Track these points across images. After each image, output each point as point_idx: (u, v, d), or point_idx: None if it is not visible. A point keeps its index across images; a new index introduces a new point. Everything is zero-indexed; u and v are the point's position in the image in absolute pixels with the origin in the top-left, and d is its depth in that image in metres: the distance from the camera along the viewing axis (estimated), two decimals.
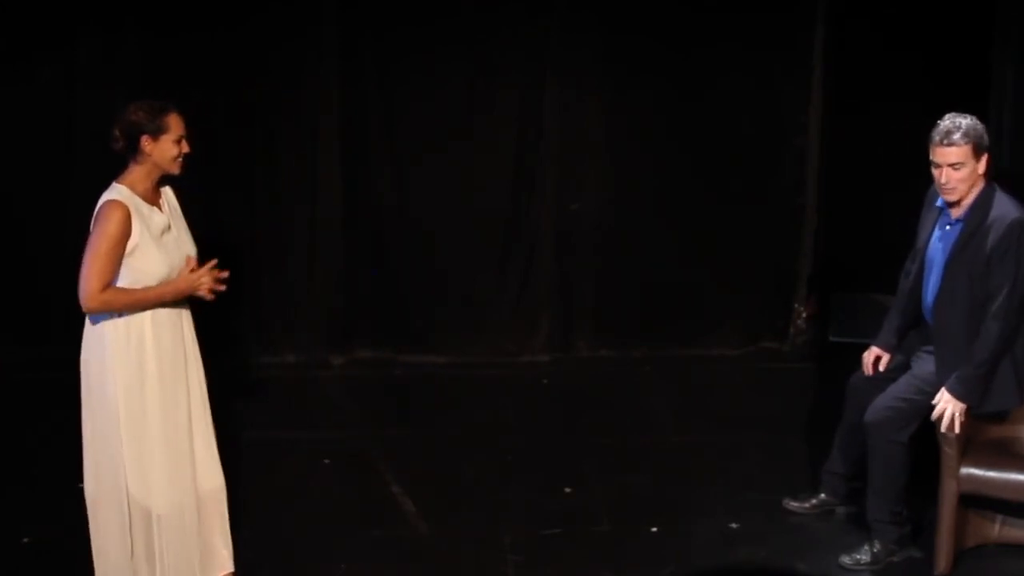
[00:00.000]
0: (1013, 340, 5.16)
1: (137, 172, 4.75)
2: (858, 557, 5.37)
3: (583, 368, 7.53)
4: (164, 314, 4.81)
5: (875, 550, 5.37)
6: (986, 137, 5.09)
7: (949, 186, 5.09)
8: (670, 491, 6.01)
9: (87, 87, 7.14)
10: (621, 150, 7.47)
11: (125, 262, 4.69)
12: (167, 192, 4.90)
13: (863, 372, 5.54)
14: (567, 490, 6.02)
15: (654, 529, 5.67)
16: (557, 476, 6.14)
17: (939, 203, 5.26)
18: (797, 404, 6.88)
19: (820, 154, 7.57)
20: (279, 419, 6.79)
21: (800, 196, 7.60)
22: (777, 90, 7.45)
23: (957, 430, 5.12)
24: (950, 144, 5.03)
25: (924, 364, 5.32)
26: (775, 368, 7.52)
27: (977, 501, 5.31)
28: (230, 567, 5.10)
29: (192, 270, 4.80)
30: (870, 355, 5.53)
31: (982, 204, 5.12)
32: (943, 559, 5.24)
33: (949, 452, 5.17)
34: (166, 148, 4.74)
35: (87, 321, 4.81)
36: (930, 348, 5.31)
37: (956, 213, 5.18)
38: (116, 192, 4.71)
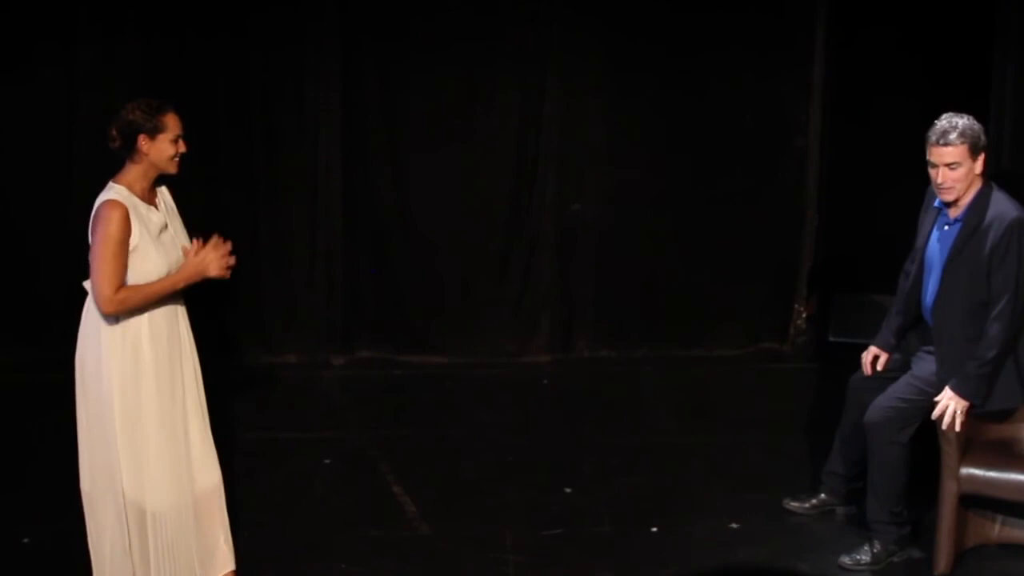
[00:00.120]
0: (1017, 339, 5.17)
1: (134, 171, 4.75)
2: (858, 557, 5.37)
3: (583, 368, 7.53)
4: (160, 311, 4.80)
5: (875, 550, 5.37)
6: (983, 137, 5.09)
7: (946, 186, 5.10)
8: (670, 491, 6.01)
9: (87, 87, 7.14)
10: (621, 150, 7.47)
11: None
12: (163, 192, 4.90)
13: (863, 372, 5.55)
14: (567, 490, 6.02)
15: (654, 529, 5.67)
16: (557, 476, 6.14)
17: (937, 203, 5.26)
18: (797, 404, 6.88)
19: (820, 154, 7.57)
20: (279, 419, 6.79)
21: (800, 196, 7.61)
22: (777, 90, 7.46)
23: (958, 428, 5.12)
24: (946, 144, 5.04)
25: (924, 364, 5.32)
26: (775, 368, 7.52)
27: (977, 501, 5.31)
28: (231, 565, 5.10)
29: (195, 252, 4.79)
30: (869, 355, 5.54)
31: (980, 204, 5.12)
32: (943, 559, 5.24)
33: (949, 452, 5.17)
34: (163, 147, 4.74)
35: (83, 318, 4.81)
36: (930, 348, 5.31)
37: (954, 213, 5.19)
38: (114, 192, 4.70)
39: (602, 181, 7.50)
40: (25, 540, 5.51)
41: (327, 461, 6.31)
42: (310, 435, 6.62)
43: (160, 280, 4.72)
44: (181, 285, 4.75)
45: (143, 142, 4.71)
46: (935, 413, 5.15)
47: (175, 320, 4.88)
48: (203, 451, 4.99)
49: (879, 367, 5.51)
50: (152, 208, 4.78)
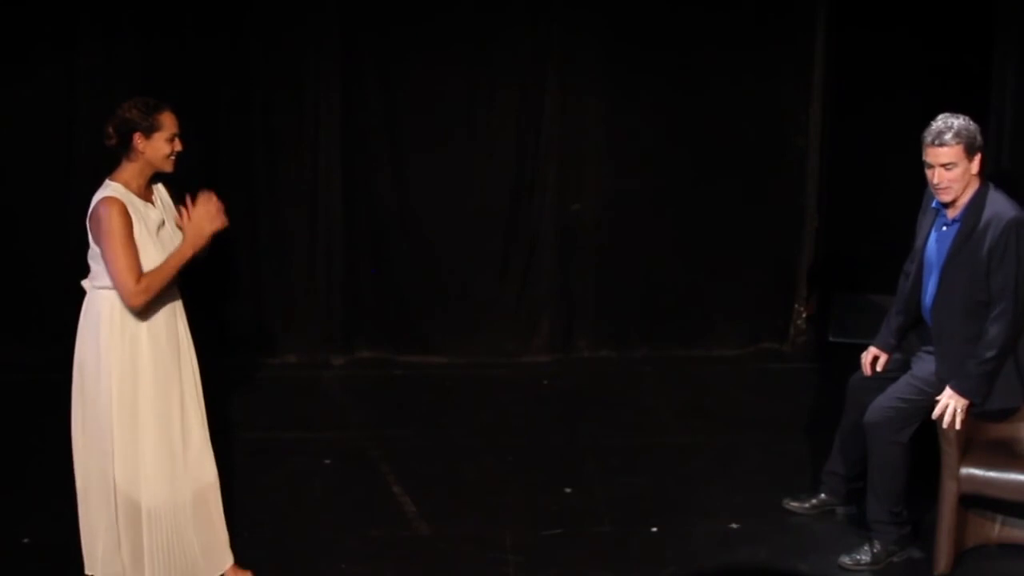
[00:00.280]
0: (1018, 338, 5.17)
1: (130, 169, 4.78)
2: (858, 557, 5.37)
3: (583, 368, 7.53)
4: (159, 307, 4.82)
5: (875, 550, 5.37)
6: (979, 137, 5.10)
7: (942, 186, 5.11)
8: (670, 491, 6.01)
9: (87, 87, 7.14)
10: (621, 150, 7.47)
11: None
12: (159, 189, 4.93)
13: (863, 372, 5.55)
14: (567, 490, 6.02)
15: (654, 529, 5.67)
16: (557, 476, 6.14)
17: (935, 204, 5.27)
18: (797, 404, 6.88)
19: (820, 154, 7.57)
20: (279, 419, 6.79)
21: (800, 196, 7.61)
22: (777, 90, 7.45)
23: (958, 426, 5.12)
24: (941, 145, 5.05)
25: (924, 364, 5.33)
26: (775, 368, 7.52)
27: (977, 501, 5.31)
28: (230, 560, 5.11)
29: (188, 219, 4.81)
30: (868, 355, 5.54)
31: (977, 204, 5.13)
32: (943, 559, 5.24)
33: (949, 452, 5.17)
34: (159, 146, 4.77)
35: (82, 316, 4.83)
36: (930, 348, 5.32)
37: (952, 214, 5.20)
38: (110, 190, 4.74)
39: (602, 181, 7.50)
40: (25, 540, 5.51)
41: (327, 461, 6.31)
42: (310, 435, 6.62)
43: (170, 257, 4.76)
44: (190, 253, 4.78)
45: (139, 140, 4.74)
46: (935, 412, 5.16)
47: (173, 319, 4.90)
48: (201, 449, 5.00)
49: (879, 368, 5.51)
50: (149, 205, 4.81)
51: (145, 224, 4.75)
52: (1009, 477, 5.19)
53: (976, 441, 5.29)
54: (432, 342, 7.57)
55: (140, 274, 4.68)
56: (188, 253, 4.78)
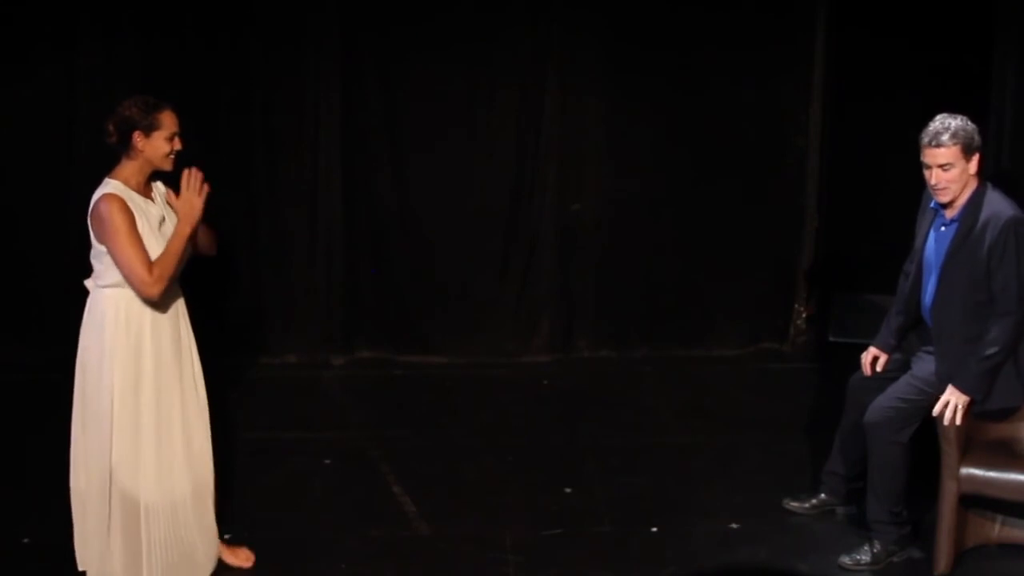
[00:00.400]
0: (1021, 338, 5.16)
1: (130, 167, 4.81)
2: (858, 557, 5.37)
3: (583, 368, 7.53)
4: (163, 306, 4.84)
5: (875, 550, 5.37)
6: (977, 137, 5.10)
7: (940, 187, 5.11)
8: (670, 491, 6.01)
9: (87, 87, 7.14)
10: (621, 150, 7.47)
11: None
12: (158, 186, 4.95)
13: (863, 372, 5.55)
14: (567, 490, 6.02)
15: (654, 529, 5.67)
16: (557, 476, 6.14)
17: (933, 205, 5.27)
18: (797, 404, 6.88)
19: (820, 154, 7.57)
20: (279, 419, 6.79)
21: (800, 196, 7.61)
22: (777, 90, 7.45)
23: (958, 422, 5.12)
24: (938, 145, 5.06)
25: (924, 364, 5.33)
26: (775, 368, 7.52)
27: (977, 501, 5.31)
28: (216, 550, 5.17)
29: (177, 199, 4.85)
30: (868, 356, 5.54)
31: (975, 204, 5.13)
32: (943, 559, 5.24)
33: (949, 452, 5.17)
34: (158, 145, 4.79)
35: (86, 315, 4.84)
36: (930, 348, 5.32)
37: (950, 214, 5.20)
38: (110, 187, 4.77)
39: (602, 181, 7.50)
40: (25, 540, 5.51)
41: (327, 461, 6.31)
42: (310, 435, 6.62)
43: (170, 240, 4.79)
44: (188, 230, 4.81)
45: (138, 139, 4.76)
46: (936, 408, 5.16)
47: (176, 318, 4.93)
48: (202, 445, 5.04)
49: (879, 368, 5.51)
50: (149, 201, 4.85)
51: (147, 220, 4.78)
52: (1009, 477, 5.19)
53: (976, 441, 5.29)
54: (432, 342, 7.57)
55: (151, 264, 4.70)
56: (186, 231, 4.81)
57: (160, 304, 4.83)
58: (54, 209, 7.14)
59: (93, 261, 4.83)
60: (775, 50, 7.40)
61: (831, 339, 7.55)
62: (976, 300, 5.14)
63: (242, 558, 5.30)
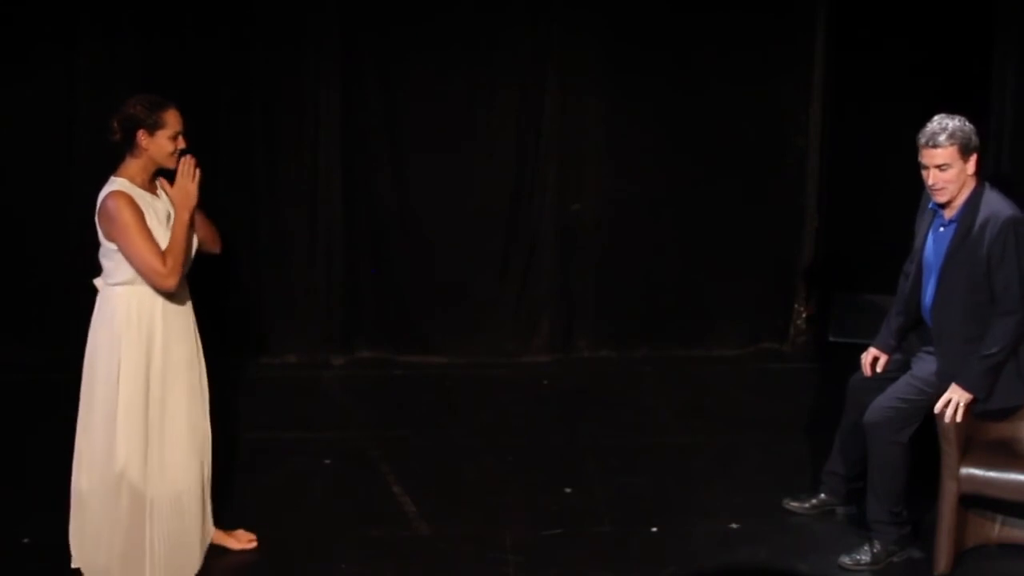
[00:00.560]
0: (1021, 337, 5.16)
1: (134, 165, 4.84)
2: (858, 557, 5.37)
3: (583, 368, 7.53)
4: (174, 304, 4.88)
5: (875, 550, 5.37)
6: (974, 138, 5.10)
7: (937, 187, 5.12)
8: (670, 491, 6.01)
9: (87, 87, 7.14)
10: (621, 150, 7.47)
11: None
12: (162, 182, 4.97)
13: (863, 373, 5.55)
14: (567, 490, 6.02)
15: (654, 529, 5.67)
16: (557, 476, 6.14)
17: (932, 205, 5.27)
18: (797, 404, 6.88)
19: (820, 154, 7.57)
20: (279, 419, 6.79)
21: (800, 196, 7.61)
22: (777, 90, 7.45)
23: (959, 419, 5.12)
24: (935, 146, 5.06)
25: (924, 364, 5.33)
26: (775, 368, 7.52)
27: (977, 501, 5.31)
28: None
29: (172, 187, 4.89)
30: (868, 356, 5.54)
31: (973, 204, 5.13)
32: (943, 559, 5.24)
33: (949, 452, 5.17)
34: (162, 144, 4.83)
35: (96, 311, 4.87)
36: (930, 348, 5.32)
37: (949, 214, 5.20)
38: (116, 185, 4.81)
39: (602, 181, 7.50)
40: (25, 540, 5.51)
41: (327, 461, 6.31)
42: (310, 435, 6.62)
43: (173, 230, 4.83)
44: (187, 216, 4.85)
45: (142, 137, 4.79)
46: (937, 406, 5.16)
47: (187, 315, 4.98)
48: (204, 440, 5.08)
49: (879, 369, 5.51)
50: (155, 197, 4.87)
51: (156, 215, 4.83)
52: (1009, 477, 5.19)
53: (976, 441, 5.29)
54: (432, 342, 7.57)
55: (162, 255, 4.73)
56: (184, 216, 4.84)
57: (171, 301, 4.87)
58: (54, 209, 7.15)
59: (102, 260, 4.86)
60: (775, 50, 7.39)
61: (831, 339, 7.55)
62: (976, 300, 5.14)
63: (244, 540, 5.33)
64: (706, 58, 7.36)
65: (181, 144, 4.87)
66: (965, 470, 5.18)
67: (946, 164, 5.07)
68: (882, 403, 5.30)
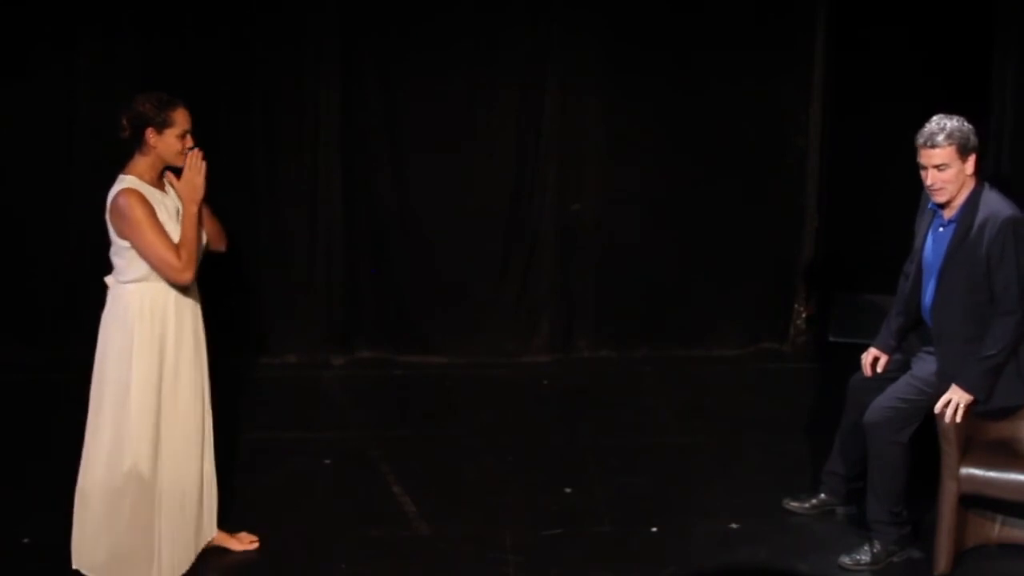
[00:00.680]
0: (1021, 337, 5.16)
1: (142, 163, 4.88)
2: (858, 557, 5.37)
3: (583, 368, 7.52)
4: (184, 300, 4.90)
5: (875, 550, 5.37)
6: (973, 137, 5.10)
7: (936, 188, 5.12)
8: (670, 491, 6.01)
9: (87, 87, 7.14)
10: (621, 150, 7.47)
11: None
12: (170, 177, 4.99)
13: (863, 373, 5.55)
14: (567, 490, 6.02)
15: (654, 529, 5.67)
16: (557, 476, 6.14)
17: (931, 205, 5.27)
18: (797, 404, 6.88)
19: (820, 154, 7.57)
20: (279, 419, 6.79)
21: (800, 196, 7.61)
22: (777, 90, 7.45)
23: (959, 419, 5.12)
24: (933, 146, 5.06)
25: (924, 365, 5.33)
26: (775, 368, 7.52)
27: (977, 501, 5.31)
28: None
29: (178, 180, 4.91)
30: (869, 356, 5.54)
31: (972, 204, 5.14)
32: (943, 559, 5.24)
33: (949, 452, 5.17)
34: (170, 142, 4.86)
35: (107, 309, 4.91)
36: (930, 349, 5.32)
37: (948, 214, 5.20)
38: (126, 182, 4.86)
39: (602, 181, 7.50)
40: (25, 540, 5.51)
41: (327, 461, 6.31)
42: (310, 435, 6.62)
43: (182, 224, 4.86)
44: (194, 209, 4.87)
45: (151, 135, 4.83)
46: (938, 406, 5.16)
47: (196, 313, 5.02)
48: (207, 435, 5.11)
49: (879, 369, 5.51)
50: (165, 194, 4.90)
51: (166, 210, 4.85)
52: (1009, 477, 5.19)
53: (976, 441, 5.29)
54: (432, 342, 7.57)
55: (175, 248, 4.75)
56: (192, 209, 4.87)
57: (182, 298, 4.89)
58: (54, 209, 7.15)
59: (113, 258, 4.88)
60: (775, 50, 7.39)
61: (831, 339, 7.55)
62: (975, 300, 5.14)
63: (246, 542, 5.35)
64: (706, 58, 7.36)
65: (189, 143, 4.90)
66: (965, 470, 5.18)
67: (944, 164, 5.07)
68: (882, 403, 5.30)
